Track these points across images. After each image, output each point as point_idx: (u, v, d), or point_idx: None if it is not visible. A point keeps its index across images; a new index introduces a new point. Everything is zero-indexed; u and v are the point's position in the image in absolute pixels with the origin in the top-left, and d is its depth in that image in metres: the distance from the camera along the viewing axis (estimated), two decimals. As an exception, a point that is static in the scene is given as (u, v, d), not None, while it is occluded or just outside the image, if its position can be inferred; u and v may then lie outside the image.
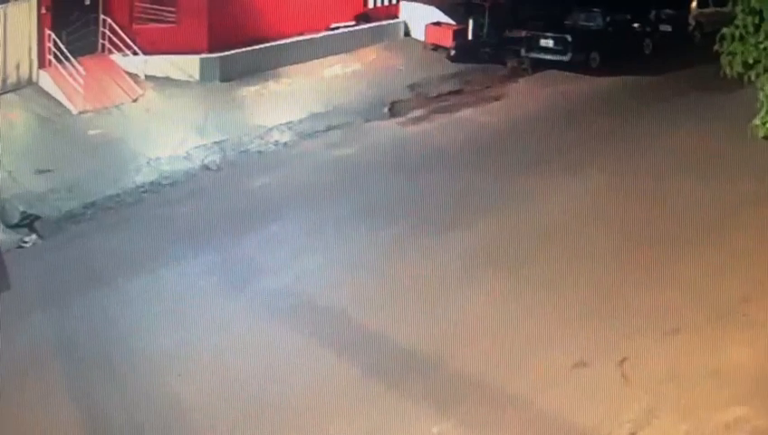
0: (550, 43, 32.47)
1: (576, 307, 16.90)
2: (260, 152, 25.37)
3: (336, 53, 31.98)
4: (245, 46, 29.75)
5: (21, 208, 21.26)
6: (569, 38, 32.14)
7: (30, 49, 26.52)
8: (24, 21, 26.32)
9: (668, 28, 35.20)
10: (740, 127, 18.29)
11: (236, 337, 16.16)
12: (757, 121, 17.65)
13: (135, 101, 27.00)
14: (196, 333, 16.33)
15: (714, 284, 17.54)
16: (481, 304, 17.14)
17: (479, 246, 19.39)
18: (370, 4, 34.29)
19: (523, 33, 33.29)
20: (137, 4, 29.07)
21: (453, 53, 32.86)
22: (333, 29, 32.67)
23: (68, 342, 16.32)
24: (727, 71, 18.20)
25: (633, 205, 21.02)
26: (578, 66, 31.89)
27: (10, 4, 25.93)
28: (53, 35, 26.50)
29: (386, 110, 28.57)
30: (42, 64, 26.63)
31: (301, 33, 31.47)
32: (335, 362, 15.45)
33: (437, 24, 34.01)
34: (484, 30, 33.59)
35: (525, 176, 22.98)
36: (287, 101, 28.29)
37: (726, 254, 18.69)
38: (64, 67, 26.25)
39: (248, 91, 28.71)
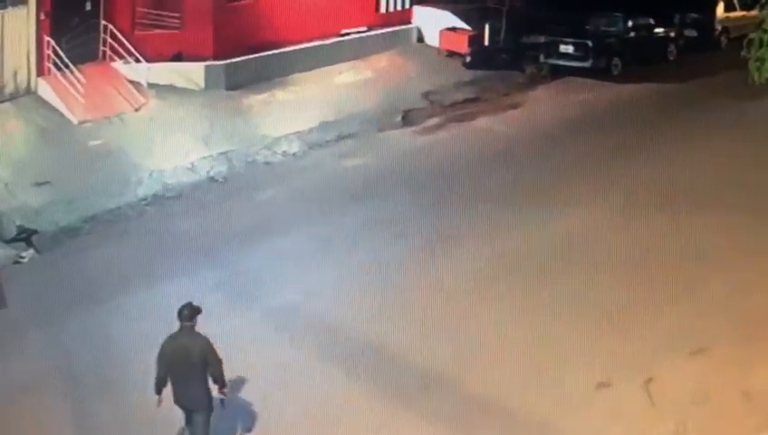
0: (570, 48, 32.42)
1: (598, 324, 16.79)
2: (268, 163, 25.32)
3: (347, 60, 31.96)
4: (252, 53, 29.71)
5: (18, 222, 21.19)
6: (590, 44, 32.09)
7: (28, 56, 26.48)
8: (21, 27, 26.28)
9: (693, 33, 35.16)
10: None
11: (242, 357, 16.04)
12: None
13: (137, 110, 26.95)
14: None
15: (742, 300, 17.42)
16: (499, 322, 17.03)
17: (496, 260, 19.30)
18: (382, 9, 34.23)
19: (542, 39, 33.26)
20: (139, 9, 29.03)
21: (468, 59, 32.81)
22: (344, 35, 32.64)
23: (66, 360, 16.23)
24: (755, 77, 18.15)
25: (657, 218, 20.90)
26: (599, 73, 31.83)
27: (8, 9, 25.92)
28: (53, 42, 26.42)
29: (399, 118, 28.52)
30: (40, 72, 26.57)
31: (310, 40, 31.43)
32: (347, 382, 15.37)
33: (452, 29, 33.94)
34: (501, 35, 33.54)
35: (544, 187, 22.92)
36: (296, 110, 28.25)
37: (755, 270, 18.56)
38: (64, 75, 26.20)
39: (255, 100, 28.67)
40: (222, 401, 13.18)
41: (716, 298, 17.55)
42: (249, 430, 14.35)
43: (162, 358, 13.03)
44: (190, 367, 12.87)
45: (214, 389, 13.04)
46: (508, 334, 16.64)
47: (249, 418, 14.50)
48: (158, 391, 13.03)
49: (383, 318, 17.28)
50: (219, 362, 12.94)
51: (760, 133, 25.32)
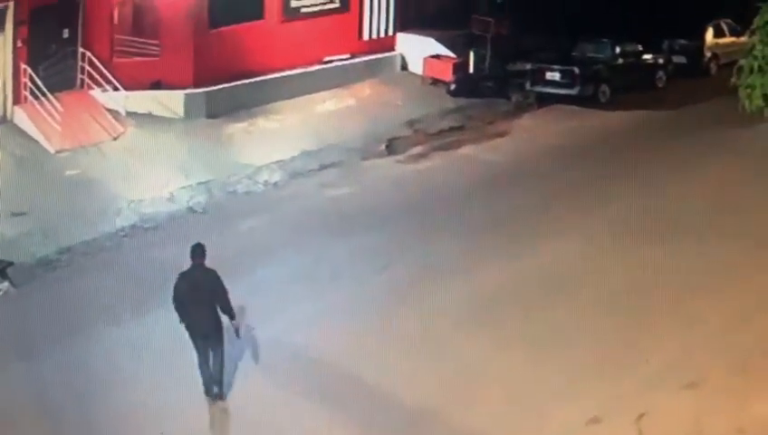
0: (556, 75, 32.43)
1: (589, 358, 16.71)
2: (248, 193, 25.23)
3: (329, 88, 31.90)
4: (233, 81, 29.63)
5: (-7, 254, 21.08)
6: (577, 70, 32.11)
7: (4, 84, 26.41)
8: (-3, 54, 26.29)
9: (683, 59, 35.26)
10: (762, 164, 18.17)
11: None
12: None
13: (115, 139, 26.85)
14: (179, 388, 16.08)
15: (735, 333, 17.38)
16: (487, 355, 16.95)
17: (484, 292, 19.20)
18: (366, 36, 34.24)
19: (528, 66, 33.30)
20: (117, 36, 29.00)
21: (453, 87, 32.81)
22: (327, 62, 32.62)
23: (43, 395, 16.08)
24: (746, 104, 18.18)
25: (647, 248, 20.83)
26: (587, 100, 31.84)
27: (-17, 37, 25.90)
28: (29, 70, 26.37)
29: (383, 147, 28.46)
30: (17, 100, 26.47)
31: (292, 67, 31.39)
32: (330, 418, 15.24)
33: (436, 56, 33.95)
34: (486, 63, 33.56)
35: (532, 217, 22.88)
36: (277, 139, 28.18)
37: (750, 300, 18.50)
38: (41, 103, 26.11)
39: (236, 129, 28.59)
40: (236, 330, 15.86)
41: (709, 330, 17.50)
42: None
43: (178, 292, 15.57)
44: (203, 295, 15.44)
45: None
46: (496, 368, 16.56)
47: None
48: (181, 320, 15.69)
49: (367, 351, 17.16)
50: (225, 291, 15.58)
51: (751, 160, 25.31)
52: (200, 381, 15.83)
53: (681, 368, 16.27)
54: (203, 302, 15.48)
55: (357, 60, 33.49)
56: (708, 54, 35.75)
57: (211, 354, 15.71)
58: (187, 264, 15.86)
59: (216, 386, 15.77)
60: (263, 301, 19.17)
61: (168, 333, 17.08)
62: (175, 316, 16.30)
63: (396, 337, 17.63)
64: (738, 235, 21.31)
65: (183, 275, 15.68)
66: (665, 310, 18.25)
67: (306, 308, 18.85)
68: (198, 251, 15.73)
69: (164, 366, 16.72)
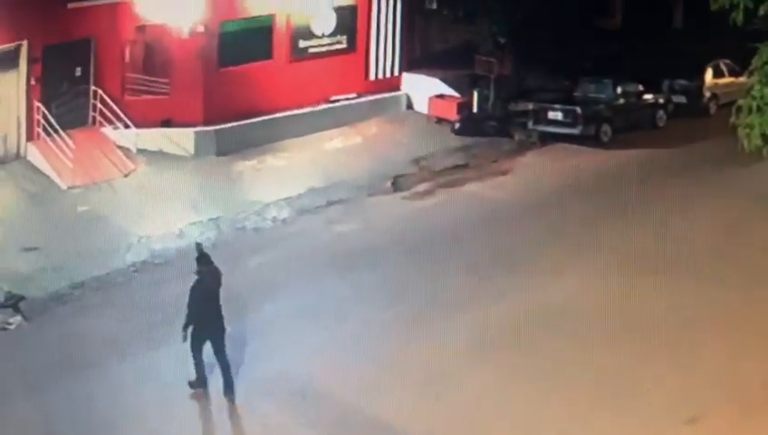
0: (558, 115, 32.48)
1: (591, 393, 16.70)
2: (257, 229, 25.27)
3: (336, 127, 32.04)
4: (242, 119, 29.79)
5: (5, 289, 21.11)
6: (578, 110, 32.16)
7: (18, 121, 26.57)
8: (11, 92, 26.40)
9: (682, 99, 35.29)
10: (762, 203, 18.20)
11: (228, 427, 15.92)
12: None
13: (126, 175, 26.97)
14: (187, 422, 16.07)
15: (736, 369, 17.37)
16: (492, 391, 16.96)
17: (487, 328, 19.21)
18: (372, 77, 34.39)
19: (531, 106, 33.35)
20: (129, 75, 29.18)
21: (457, 126, 32.90)
22: (334, 102, 32.76)
23: (52, 428, 16.11)
24: (745, 144, 18.15)
25: (649, 286, 20.87)
26: (589, 139, 31.88)
27: (-2, 74, 26.07)
28: (43, 107, 26.55)
29: (389, 184, 28.51)
30: (30, 137, 26.65)
31: (300, 106, 31.54)
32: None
33: (441, 96, 34.08)
34: (490, 102, 33.67)
35: (535, 254, 22.89)
36: (286, 176, 28.26)
37: (749, 336, 18.51)
38: (53, 140, 26.26)
39: (245, 166, 28.69)
40: None
41: (711, 366, 17.49)
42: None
43: (197, 300, 16.49)
44: (214, 295, 16.61)
45: None
46: (501, 404, 16.55)
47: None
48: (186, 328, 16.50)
49: (372, 386, 17.17)
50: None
51: (750, 199, 25.37)
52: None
53: (682, 403, 16.26)
54: (213, 303, 16.65)
55: (363, 99, 33.63)
56: (708, 94, 35.79)
57: (216, 357, 16.73)
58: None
59: (226, 390, 16.72)
60: (270, 336, 19.21)
61: (177, 368, 17.13)
62: (184, 350, 16.38)
63: (401, 373, 17.65)
64: (736, 272, 21.34)
65: (199, 283, 16.68)
66: (665, 346, 18.26)
67: (313, 343, 18.86)
68: (204, 258, 16.89)
69: (173, 401, 16.72)
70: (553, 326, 19.22)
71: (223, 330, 16.77)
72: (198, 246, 17.60)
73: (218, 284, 16.88)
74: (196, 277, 16.78)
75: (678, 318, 19.38)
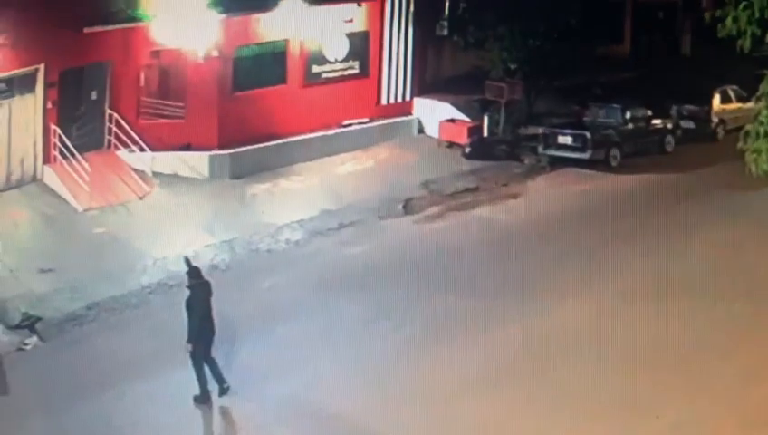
0: (568, 139, 32.54)
1: (600, 417, 16.70)
2: (270, 251, 25.35)
3: (348, 150, 32.15)
4: (256, 143, 29.93)
5: (22, 309, 21.19)
6: (588, 135, 32.22)
7: (35, 144, 26.70)
8: (29, 115, 26.54)
9: (691, 125, 35.34)
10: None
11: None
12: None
13: (142, 198, 27.08)
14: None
15: (746, 391, 17.37)
16: (501, 414, 16.95)
17: (496, 352, 19.23)
18: (383, 101, 34.52)
19: (541, 130, 33.43)
20: (144, 99, 29.35)
21: (468, 150, 32.96)
22: (346, 126, 32.88)
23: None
24: (753, 169, 18.14)
25: (658, 309, 20.89)
26: (598, 164, 31.95)
27: (15, 98, 26.16)
28: (59, 130, 26.67)
29: (400, 207, 28.58)
30: (47, 160, 26.77)
31: (313, 130, 31.67)
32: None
33: (452, 120, 34.18)
34: (500, 126, 33.74)
35: (544, 277, 22.92)
36: (298, 199, 28.37)
37: (758, 359, 18.51)
38: (70, 163, 26.37)
39: (259, 189, 28.80)
40: None
41: (721, 389, 17.49)
42: None
43: (194, 311, 17.37)
44: (208, 307, 17.56)
45: None
46: (510, 427, 16.54)
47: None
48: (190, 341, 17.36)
49: (383, 409, 17.21)
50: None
51: (759, 224, 25.41)
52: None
53: (692, 425, 16.25)
54: (207, 313, 17.60)
55: (375, 123, 33.75)
56: (716, 120, 35.83)
57: (206, 360, 17.49)
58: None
59: (219, 383, 17.48)
60: (283, 358, 19.26)
61: (192, 389, 17.19)
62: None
63: (411, 396, 17.67)
64: (745, 295, 21.34)
65: (195, 295, 17.62)
66: (675, 368, 18.27)
67: (324, 365, 18.91)
68: (195, 271, 17.91)
69: (188, 422, 16.77)
70: (561, 350, 19.25)
71: (212, 334, 17.73)
72: (187, 260, 18.62)
73: (209, 294, 17.81)
74: (188, 291, 17.67)
75: (688, 341, 19.39)
